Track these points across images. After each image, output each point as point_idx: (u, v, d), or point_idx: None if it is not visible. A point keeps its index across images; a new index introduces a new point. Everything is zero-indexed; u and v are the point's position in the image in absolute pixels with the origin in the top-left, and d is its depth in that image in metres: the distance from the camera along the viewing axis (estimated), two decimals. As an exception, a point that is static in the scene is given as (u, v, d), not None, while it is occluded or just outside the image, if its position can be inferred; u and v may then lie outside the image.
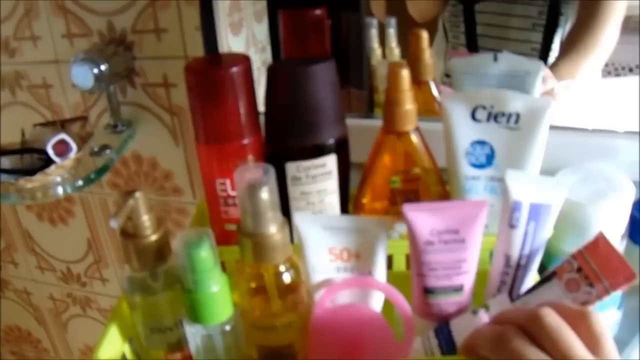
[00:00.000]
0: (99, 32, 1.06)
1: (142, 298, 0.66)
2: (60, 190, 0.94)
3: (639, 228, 0.79)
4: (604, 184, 0.77)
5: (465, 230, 0.62)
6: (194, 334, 0.62)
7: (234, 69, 0.71)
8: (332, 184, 0.77)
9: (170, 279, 0.66)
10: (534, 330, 0.50)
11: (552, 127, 0.74)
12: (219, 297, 0.59)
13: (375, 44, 0.96)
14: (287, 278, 0.62)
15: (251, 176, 0.59)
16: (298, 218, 0.65)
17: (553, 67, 0.89)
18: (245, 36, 1.01)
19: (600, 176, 0.79)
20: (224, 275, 0.60)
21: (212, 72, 0.73)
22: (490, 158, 0.75)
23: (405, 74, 0.71)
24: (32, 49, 1.14)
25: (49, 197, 0.95)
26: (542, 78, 0.81)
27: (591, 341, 0.49)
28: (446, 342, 0.63)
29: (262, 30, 1.03)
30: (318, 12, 0.89)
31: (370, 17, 0.94)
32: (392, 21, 0.95)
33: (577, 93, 0.89)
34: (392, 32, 0.96)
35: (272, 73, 0.75)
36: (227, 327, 0.61)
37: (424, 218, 0.62)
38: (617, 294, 0.58)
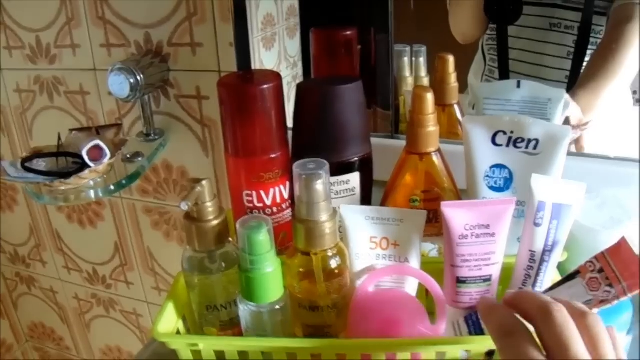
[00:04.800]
0: (137, 43, 1.10)
1: (199, 278, 0.72)
2: (92, 194, 0.98)
3: (653, 256, 0.80)
4: (619, 211, 0.79)
5: (495, 225, 0.67)
6: (246, 312, 0.67)
7: (265, 86, 0.74)
8: (354, 201, 0.79)
9: (227, 261, 0.71)
10: (541, 322, 0.52)
11: (573, 154, 0.76)
12: (273, 277, 0.65)
13: (407, 72, 0.99)
14: (333, 263, 0.67)
15: (309, 169, 0.64)
16: (344, 209, 0.70)
17: (572, 96, 0.89)
18: (278, 51, 1.05)
19: (616, 203, 0.80)
20: (278, 259, 0.66)
21: (244, 88, 0.76)
22: (508, 182, 0.77)
23: (429, 97, 0.74)
24: (71, 57, 1.18)
25: (81, 200, 0.98)
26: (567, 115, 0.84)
27: (590, 341, 0.51)
28: (475, 328, 0.67)
29: (294, 46, 1.06)
30: (349, 32, 0.92)
31: (404, 44, 0.96)
32: (423, 49, 0.97)
33: (607, 121, 0.91)
34: (421, 62, 0.98)
35: (302, 91, 0.78)
36: (277, 307, 0.67)
37: (459, 214, 0.67)
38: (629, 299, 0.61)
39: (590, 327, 0.52)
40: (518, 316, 0.54)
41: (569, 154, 0.86)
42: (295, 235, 0.66)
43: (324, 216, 0.65)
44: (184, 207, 0.65)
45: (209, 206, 0.68)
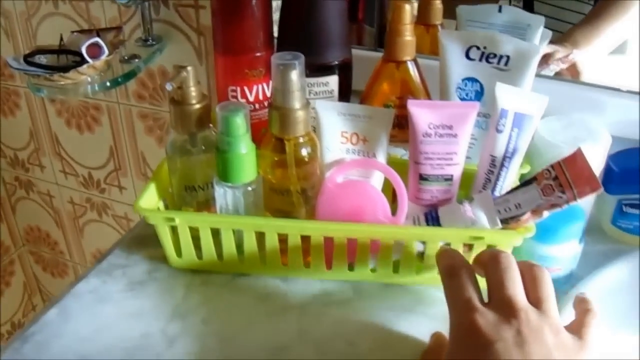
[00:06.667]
0: (140, -49, 1.13)
1: (181, 160, 0.77)
2: (89, 88, 1.03)
3: (614, 179, 0.84)
4: (583, 132, 0.83)
5: (458, 126, 0.72)
6: (221, 192, 0.73)
7: (255, -13, 0.79)
8: (332, 103, 0.84)
9: (207, 144, 0.76)
10: (489, 266, 0.58)
11: (545, 76, 0.79)
12: (247, 159, 0.71)
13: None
14: (304, 151, 0.72)
15: (285, 59, 0.69)
16: (318, 104, 0.75)
17: (569, 33, 0.93)
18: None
19: (582, 125, 0.84)
20: (253, 144, 0.71)
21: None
22: (479, 94, 0.81)
23: (407, 8, 0.78)
24: (76, -38, 1.21)
25: (78, 94, 1.03)
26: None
27: (533, 285, 0.56)
28: (433, 223, 0.73)
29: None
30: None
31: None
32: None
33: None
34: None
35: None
36: (250, 188, 0.73)
37: (424, 113, 0.72)
38: (584, 202, 0.66)
39: (536, 275, 0.57)
40: (465, 260, 0.60)
41: (547, 77, 0.91)
42: (271, 122, 0.72)
43: (297, 104, 0.70)
44: (169, 87, 0.70)
45: (192, 90, 0.73)
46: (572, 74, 0.93)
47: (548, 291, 0.56)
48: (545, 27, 0.90)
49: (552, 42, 0.92)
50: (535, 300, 0.55)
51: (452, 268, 0.59)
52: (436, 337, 0.66)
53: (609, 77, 0.92)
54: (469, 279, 0.57)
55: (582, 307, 0.59)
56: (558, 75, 0.93)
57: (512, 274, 0.56)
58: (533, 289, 0.56)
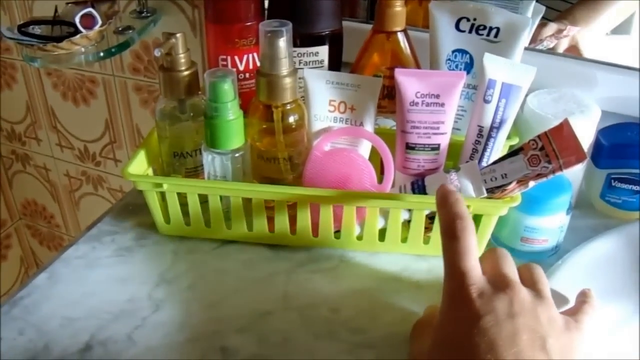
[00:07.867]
0: None
1: (170, 127, 0.78)
2: (82, 58, 1.03)
3: (604, 154, 0.85)
4: (573, 105, 0.83)
5: (445, 95, 0.72)
6: (209, 159, 0.74)
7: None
8: (322, 73, 0.84)
9: (195, 111, 0.77)
10: (487, 255, 0.59)
11: (538, 50, 0.80)
12: (234, 125, 0.72)
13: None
14: (292, 118, 0.74)
15: (273, 26, 0.70)
16: (307, 73, 0.75)
17: (569, 11, 0.92)
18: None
19: (572, 99, 0.85)
20: (241, 111, 0.72)
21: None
22: (468, 66, 0.81)
23: (397, -22, 0.78)
24: None
25: (71, 63, 1.04)
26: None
27: (528, 271, 0.58)
28: (420, 192, 0.73)
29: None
30: None
31: None
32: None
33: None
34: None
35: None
36: (238, 155, 0.74)
37: (411, 82, 0.72)
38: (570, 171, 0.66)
39: (531, 265, 0.59)
40: (467, 216, 0.57)
41: (540, 51, 0.91)
42: (258, 89, 0.72)
43: (284, 71, 0.70)
44: (157, 53, 0.71)
45: (181, 57, 0.74)
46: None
47: (542, 278, 0.57)
48: (542, 3, 0.90)
49: (551, 20, 0.92)
50: (530, 283, 0.56)
51: (453, 227, 0.56)
52: (430, 309, 0.66)
53: (613, 57, 0.91)
54: (469, 244, 0.55)
55: (582, 298, 0.60)
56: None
57: (509, 259, 0.58)
58: (527, 275, 0.57)
